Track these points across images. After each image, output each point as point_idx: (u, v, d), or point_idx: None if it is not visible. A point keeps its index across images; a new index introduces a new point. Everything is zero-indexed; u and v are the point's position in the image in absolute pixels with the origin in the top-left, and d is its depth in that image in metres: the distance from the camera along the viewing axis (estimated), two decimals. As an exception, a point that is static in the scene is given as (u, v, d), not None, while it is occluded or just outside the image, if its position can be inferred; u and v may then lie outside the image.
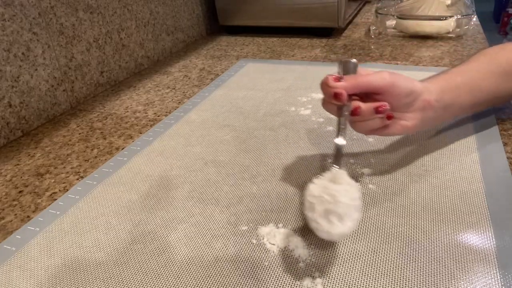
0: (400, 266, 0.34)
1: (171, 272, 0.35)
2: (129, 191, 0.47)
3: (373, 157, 0.49)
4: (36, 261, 0.38)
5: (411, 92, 0.40)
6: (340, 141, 0.38)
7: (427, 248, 0.35)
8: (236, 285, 0.34)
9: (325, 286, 0.33)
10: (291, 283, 0.33)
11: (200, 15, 1.12)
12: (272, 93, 0.70)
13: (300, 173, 0.48)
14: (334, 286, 0.33)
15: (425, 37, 0.95)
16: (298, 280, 0.33)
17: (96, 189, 0.48)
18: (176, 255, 0.37)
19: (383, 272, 0.33)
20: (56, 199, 0.47)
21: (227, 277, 0.34)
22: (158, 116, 0.67)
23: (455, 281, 0.32)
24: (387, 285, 0.32)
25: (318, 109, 0.62)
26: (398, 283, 0.32)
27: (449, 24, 0.92)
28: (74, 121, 0.68)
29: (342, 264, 0.35)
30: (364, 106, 0.38)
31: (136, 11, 0.87)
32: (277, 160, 0.51)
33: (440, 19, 0.93)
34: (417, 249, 0.35)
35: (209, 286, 0.34)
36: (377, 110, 0.38)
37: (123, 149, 0.57)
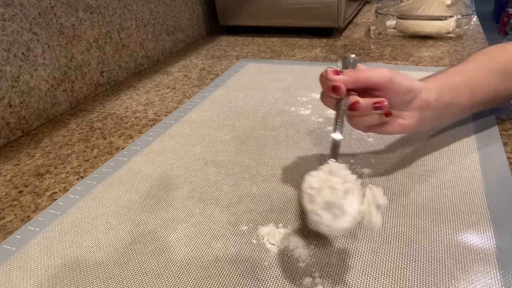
0: (400, 266, 0.34)
1: (171, 272, 0.35)
2: (129, 191, 0.47)
3: (373, 157, 0.49)
4: (36, 261, 0.38)
5: (410, 90, 0.40)
6: (337, 135, 0.38)
7: (427, 248, 0.35)
8: (236, 285, 0.34)
9: (325, 286, 0.33)
10: (291, 283, 0.33)
11: (200, 15, 1.12)
12: (272, 93, 0.70)
13: (300, 173, 0.47)
14: (334, 286, 0.33)
15: (425, 37, 0.95)
16: (298, 280, 0.33)
17: (96, 189, 0.48)
18: (176, 255, 0.37)
19: (383, 272, 0.33)
20: (56, 199, 0.47)
21: (227, 277, 0.34)
22: (158, 116, 0.67)
23: (455, 281, 0.32)
24: (387, 285, 0.32)
25: (318, 109, 0.62)
26: (398, 283, 0.32)
27: (449, 24, 0.92)
28: (74, 121, 0.68)
29: (342, 264, 0.35)
30: (362, 101, 0.38)
31: (136, 11, 0.87)
32: (277, 160, 0.51)
33: (440, 19, 0.93)
34: (417, 249, 0.35)
35: (209, 286, 0.34)
36: (375, 106, 0.38)
37: (123, 149, 0.57)
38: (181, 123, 0.63)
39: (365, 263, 0.34)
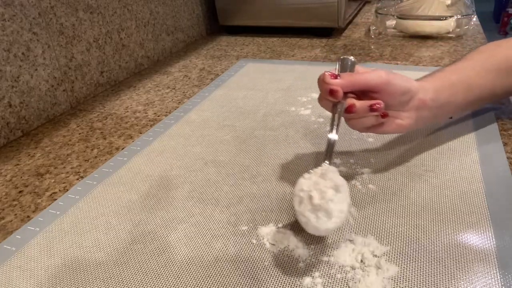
0: (400, 266, 0.34)
1: (171, 272, 0.35)
2: (129, 191, 0.47)
3: (373, 157, 0.49)
4: (36, 261, 0.38)
5: (407, 91, 0.40)
6: (333, 136, 0.38)
7: (427, 248, 0.35)
8: (236, 285, 0.34)
9: (325, 286, 0.33)
10: (291, 283, 0.33)
11: (200, 15, 1.12)
12: (272, 93, 0.70)
13: (300, 173, 0.47)
14: (334, 286, 0.33)
15: (425, 37, 0.95)
16: (298, 280, 0.33)
17: (96, 189, 0.48)
18: (176, 255, 0.37)
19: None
20: (56, 199, 0.47)
21: (227, 277, 0.34)
22: (158, 116, 0.67)
23: (455, 281, 0.32)
24: (387, 285, 0.32)
25: (318, 109, 0.62)
26: (398, 283, 0.32)
27: (449, 24, 0.92)
28: (74, 121, 0.68)
29: (342, 263, 0.34)
30: (358, 104, 0.38)
31: (136, 11, 0.87)
32: (277, 160, 0.51)
33: (440, 19, 0.93)
34: (417, 249, 0.35)
35: (209, 286, 0.34)
36: (371, 108, 0.38)
37: (123, 149, 0.57)
38: (181, 123, 0.63)
39: (365, 263, 0.34)
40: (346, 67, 0.41)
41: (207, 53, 0.99)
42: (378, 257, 0.35)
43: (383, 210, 0.40)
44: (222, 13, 1.10)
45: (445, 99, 0.44)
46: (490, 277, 0.32)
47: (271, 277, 0.34)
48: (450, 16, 0.92)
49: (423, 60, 0.81)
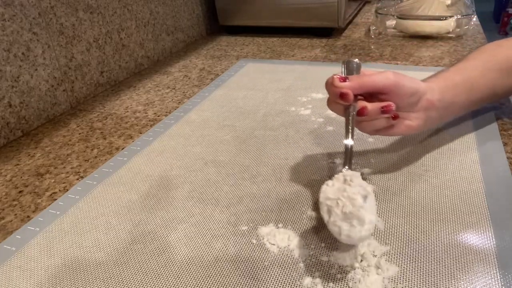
0: (400, 266, 0.34)
1: (171, 272, 0.35)
2: (129, 191, 0.47)
3: (373, 157, 0.49)
4: (36, 261, 0.38)
5: (416, 92, 0.40)
6: (349, 141, 0.38)
7: (427, 248, 0.35)
8: (236, 285, 0.34)
9: (325, 286, 0.33)
10: (291, 283, 0.33)
11: (200, 15, 1.12)
12: (272, 93, 0.70)
13: (300, 173, 0.48)
14: (334, 286, 0.33)
15: (425, 37, 0.95)
16: (298, 280, 0.33)
17: (96, 189, 0.48)
18: (176, 255, 0.37)
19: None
20: (56, 199, 0.47)
21: (227, 277, 0.34)
22: (158, 116, 0.67)
23: (455, 281, 0.32)
24: (387, 285, 0.32)
25: (318, 109, 0.62)
26: (398, 283, 0.32)
27: (449, 24, 0.92)
28: (74, 121, 0.68)
29: (342, 263, 0.34)
30: (370, 106, 0.38)
31: (136, 11, 0.87)
32: (277, 160, 0.51)
33: (440, 19, 0.93)
34: (417, 249, 0.35)
35: (209, 286, 0.34)
36: (383, 110, 0.38)
37: (123, 149, 0.57)
38: (181, 123, 0.63)
39: (365, 263, 0.34)
40: (352, 70, 0.41)
41: (207, 53, 0.99)
42: (378, 257, 0.35)
43: (383, 210, 0.40)
44: (222, 13, 1.10)
45: (450, 99, 0.44)
46: (490, 277, 0.32)
47: (271, 277, 0.34)
48: (450, 16, 0.92)
49: (423, 60, 0.81)
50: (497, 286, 0.31)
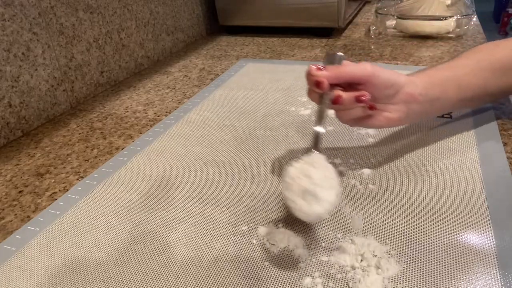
0: (400, 266, 0.34)
1: (171, 272, 0.35)
2: (129, 191, 0.47)
3: (373, 157, 0.49)
4: (36, 261, 0.38)
5: (393, 84, 0.41)
6: (319, 128, 0.39)
7: (427, 248, 0.35)
8: (236, 285, 0.34)
9: (325, 286, 0.33)
10: (291, 283, 0.33)
11: (200, 15, 1.12)
12: (272, 93, 0.70)
13: (300, 173, 0.47)
14: (334, 286, 0.33)
15: (425, 37, 0.95)
16: (298, 280, 0.33)
17: (96, 189, 0.48)
18: (176, 255, 0.37)
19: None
20: (56, 199, 0.47)
21: (227, 277, 0.34)
22: (158, 116, 0.67)
23: (455, 281, 0.32)
24: (387, 284, 0.32)
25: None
26: (398, 283, 0.32)
27: (449, 24, 0.92)
28: (74, 121, 0.68)
29: (342, 263, 0.34)
30: (345, 95, 0.39)
31: (136, 11, 0.87)
32: (277, 160, 0.51)
33: (440, 19, 0.93)
34: (417, 249, 0.35)
35: (209, 286, 0.34)
36: (357, 99, 0.39)
37: (123, 149, 0.57)
38: (181, 123, 0.63)
39: (365, 263, 0.34)
40: (333, 61, 0.42)
41: (207, 53, 0.99)
42: (378, 257, 0.35)
43: (383, 210, 0.40)
44: (222, 13, 1.10)
45: (436, 94, 0.44)
46: (490, 277, 0.32)
47: (271, 277, 0.34)
48: (450, 16, 0.92)
49: (423, 60, 0.81)
50: (497, 286, 0.31)
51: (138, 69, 0.90)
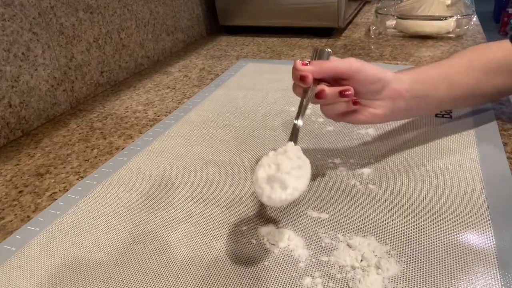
0: (400, 266, 0.34)
1: (171, 272, 0.35)
2: (129, 191, 0.47)
3: (373, 157, 0.49)
4: (36, 261, 0.38)
5: (378, 79, 0.41)
6: (298, 122, 0.39)
7: (427, 248, 0.35)
8: (236, 285, 0.34)
9: (325, 286, 0.33)
10: (291, 283, 0.33)
11: (200, 15, 1.12)
12: (272, 93, 0.70)
13: (300, 173, 0.47)
14: (334, 286, 0.33)
15: (425, 37, 0.95)
16: (298, 280, 0.33)
17: (96, 189, 0.48)
18: (176, 255, 0.37)
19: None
20: (56, 199, 0.47)
21: (227, 277, 0.34)
22: (158, 116, 0.67)
23: (455, 281, 0.32)
24: (387, 285, 0.32)
25: (318, 109, 0.62)
26: (398, 283, 0.32)
27: (449, 24, 0.92)
28: (74, 121, 0.68)
29: (342, 263, 0.34)
30: (328, 89, 0.39)
31: (136, 11, 0.87)
32: (277, 160, 0.51)
33: (440, 19, 0.93)
34: (417, 249, 0.35)
35: (209, 286, 0.34)
36: (341, 94, 0.39)
37: (123, 149, 0.57)
38: (181, 123, 0.63)
39: (365, 263, 0.34)
40: (321, 57, 0.42)
41: (207, 53, 0.99)
42: (378, 257, 0.35)
43: (383, 210, 0.40)
44: (222, 13, 1.10)
45: (423, 91, 0.44)
46: (490, 277, 0.32)
47: (271, 277, 0.34)
48: (450, 16, 0.92)
49: (423, 60, 0.81)
50: (497, 286, 0.31)
51: (138, 69, 0.90)
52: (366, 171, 0.46)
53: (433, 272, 0.33)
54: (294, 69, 0.40)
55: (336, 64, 0.40)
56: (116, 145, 0.59)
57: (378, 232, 0.37)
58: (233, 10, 1.08)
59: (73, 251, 0.39)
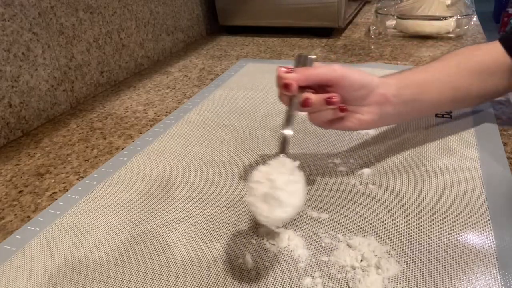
0: (400, 266, 0.34)
1: (171, 272, 0.35)
2: (129, 191, 0.47)
3: (373, 157, 0.49)
4: (36, 261, 0.38)
5: (363, 85, 0.40)
6: (287, 131, 0.38)
7: (427, 248, 0.35)
8: (236, 285, 0.34)
9: (325, 286, 0.33)
10: (291, 283, 0.33)
11: (200, 15, 1.12)
12: (272, 93, 0.70)
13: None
14: (334, 286, 0.33)
15: (425, 37, 0.95)
16: (298, 280, 0.33)
17: (96, 189, 0.48)
18: (176, 255, 0.37)
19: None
20: (56, 199, 0.47)
21: (227, 277, 0.34)
22: (158, 116, 0.67)
23: (455, 281, 0.32)
24: (387, 285, 0.32)
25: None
26: (398, 283, 0.32)
27: (449, 24, 0.92)
28: (74, 121, 0.68)
29: (342, 263, 0.34)
30: (314, 97, 0.38)
31: (136, 11, 0.87)
32: (277, 160, 0.51)
33: (440, 19, 0.93)
34: (417, 249, 0.35)
35: (209, 286, 0.34)
36: (327, 101, 0.38)
37: (123, 149, 0.57)
38: (181, 123, 0.63)
39: (365, 263, 0.34)
40: (305, 64, 0.42)
41: (207, 53, 0.99)
42: (378, 257, 0.35)
43: (383, 210, 0.40)
44: (222, 13, 1.10)
45: (411, 96, 0.44)
46: (490, 277, 0.32)
47: (271, 277, 0.34)
48: (450, 16, 0.92)
49: (423, 60, 0.81)
50: (497, 286, 0.31)
51: (138, 69, 0.90)
52: (366, 171, 0.46)
53: (433, 272, 0.33)
54: (278, 77, 0.39)
55: (321, 71, 0.39)
56: (116, 145, 0.59)
57: (378, 232, 0.37)
58: (233, 10, 1.08)
59: (73, 251, 0.39)
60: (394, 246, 0.36)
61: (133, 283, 0.35)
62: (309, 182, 0.46)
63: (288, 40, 1.04)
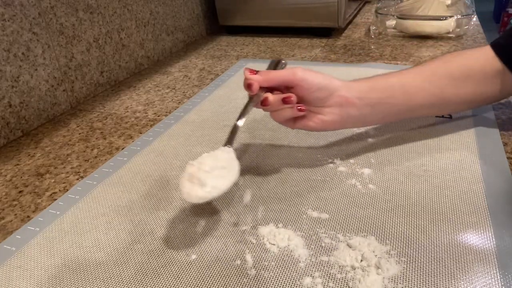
0: (400, 266, 0.34)
1: (171, 272, 0.35)
2: (129, 191, 0.47)
3: (373, 157, 0.49)
4: (36, 261, 0.38)
5: (322, 87, 0.43)
6: (239, 122, 0.43)
7: (427, 248, 0.35)
8: (236, 285, 0.34)
9: (325, 286, 0.33)
10: (291, 283, 0.33)
11: (200, 15, 1.12)
12: (272, 93, 0.70)
13: (300, 173, 0.47)
14: (334, 286, 0.33)
15: (425, 37, 0.95)
16: (298, 280, 0.33)
17: (96, 189, 0.48)
18: (176, 255, 0.37)
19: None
20: (56, 199, 0.47)
21: (227, 277, 0.34)
22: (158, 116, 0.67)
23: (455, 281, 0.32)
24: (387, 285, 0.32)
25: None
26: (399, 283, 0.32)
27: (449, 24, 0.92)
28: (74, 121, 0.68)
29: (342, 263, 0.34)
30: (272, 97, 0.42)
31: (136, 11, 0.87)
32: (277, 160, 0.51)
33: (440, 19, 0.93)
34: (417, 249, 0.35)
35: (209, 286, 0.34)
36: (284, 101, 0.42)
37: (123, 149, 0.57)
38: (181, 123, 0.63)
39: (365, 263, 0.34)
40: (276, 67, 0.46)
41: (207, 53, 0.99)
42: (378, 257, 0.35)
43: (383, 210, 0.40)
44: (222, 13, 1.10)
45: (376, 100, 0.45)
46: (490, 277, 0.32)
47: (271, 277, 0.34)
48: (450, 16, 0.92)
49: (423, 60, 0.81)
50: (497, 286, 0.31)
51: (138, 69, 0.90)
52: (366, 171, 0.46)
53: (433, 272, 0.33)
54: (244, 77, 0.43)
55: (281, 73, 0.43)
56: (116, 145, 0.59)
57: (378, 232, 0.37)
58: (233, 10, 1.08)
59: (73, 251, 0.39)
60: (394, 246, 0.36)
61: (133, 283, 0.35)
62: (309, 182, 0.46)
63: (288, 40, 1.04)
